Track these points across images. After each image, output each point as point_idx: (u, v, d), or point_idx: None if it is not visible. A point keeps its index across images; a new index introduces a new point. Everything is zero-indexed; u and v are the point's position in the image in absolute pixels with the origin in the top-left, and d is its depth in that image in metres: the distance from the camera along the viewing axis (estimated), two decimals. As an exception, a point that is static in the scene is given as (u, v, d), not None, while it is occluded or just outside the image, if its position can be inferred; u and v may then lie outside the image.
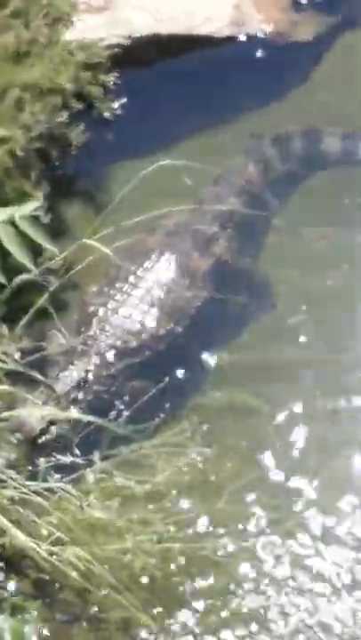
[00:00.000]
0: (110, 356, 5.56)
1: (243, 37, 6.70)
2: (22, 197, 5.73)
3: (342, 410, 5.71)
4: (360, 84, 6.76)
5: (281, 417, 5.74)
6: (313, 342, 5.95)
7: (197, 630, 5.08)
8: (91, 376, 5.52)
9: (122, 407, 5.51)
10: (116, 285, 5.70)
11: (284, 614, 5.11)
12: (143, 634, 4.95)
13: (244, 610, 5.12)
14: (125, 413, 5.49)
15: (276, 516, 5.33)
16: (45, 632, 4.88)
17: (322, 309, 6.05)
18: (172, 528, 5.07)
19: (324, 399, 5.77)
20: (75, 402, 5.41)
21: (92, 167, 6.33)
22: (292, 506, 5.44)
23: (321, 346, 5.98)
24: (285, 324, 5.98)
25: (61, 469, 5.18)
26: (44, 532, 4.86)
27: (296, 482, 5.52)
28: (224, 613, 5.16)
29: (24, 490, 4.82)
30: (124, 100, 6.46)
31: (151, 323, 5.64)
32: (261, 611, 5.11)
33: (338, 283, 6.17)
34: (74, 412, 5.30)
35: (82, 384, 5.46)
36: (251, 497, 5.37)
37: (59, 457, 5.22)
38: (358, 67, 6.86)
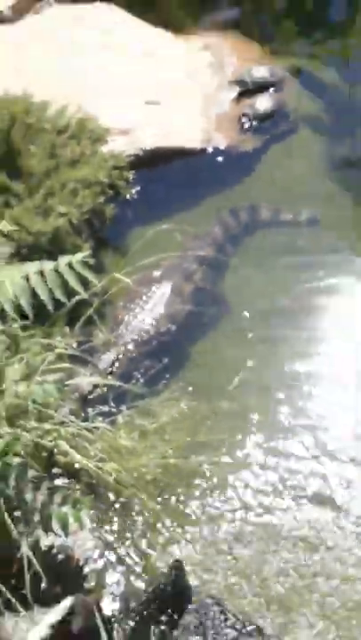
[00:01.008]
0: (132, 345, 6.34)
1: (210, 149, 7.63)
2: (76, 249, 6.33)
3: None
4: (278, 177, 7.58)
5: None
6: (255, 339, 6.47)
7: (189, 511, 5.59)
8: (120, 358, 6.26)
9: (139, 377, 6.27)
10: (135, 302, 6.45)
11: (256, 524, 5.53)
12: (147, 514, 5.51)
13: (220, 507, 5.62)
14: (142, 381, 6.23)
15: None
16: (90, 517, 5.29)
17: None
18: (170, 451, 5.68)
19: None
20: (110, 374, 6.12)
21: (119, 231, 7.05)
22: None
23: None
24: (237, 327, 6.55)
25: (102, 415, 5.83)
26: (92, 454, 5.36)
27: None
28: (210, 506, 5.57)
29: (79, 428, 5.30)
30: (139, 188, 7.31)
31: (157, 324, 6.40)
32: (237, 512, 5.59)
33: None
34: (110, 380, 5.96)
35: (114, 363, 6.21)
36: (224, 426, 5.89)
37: (100, 407, 5.97)
38: (276, 167, 7.64)
